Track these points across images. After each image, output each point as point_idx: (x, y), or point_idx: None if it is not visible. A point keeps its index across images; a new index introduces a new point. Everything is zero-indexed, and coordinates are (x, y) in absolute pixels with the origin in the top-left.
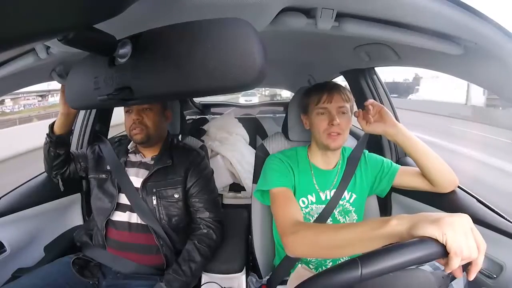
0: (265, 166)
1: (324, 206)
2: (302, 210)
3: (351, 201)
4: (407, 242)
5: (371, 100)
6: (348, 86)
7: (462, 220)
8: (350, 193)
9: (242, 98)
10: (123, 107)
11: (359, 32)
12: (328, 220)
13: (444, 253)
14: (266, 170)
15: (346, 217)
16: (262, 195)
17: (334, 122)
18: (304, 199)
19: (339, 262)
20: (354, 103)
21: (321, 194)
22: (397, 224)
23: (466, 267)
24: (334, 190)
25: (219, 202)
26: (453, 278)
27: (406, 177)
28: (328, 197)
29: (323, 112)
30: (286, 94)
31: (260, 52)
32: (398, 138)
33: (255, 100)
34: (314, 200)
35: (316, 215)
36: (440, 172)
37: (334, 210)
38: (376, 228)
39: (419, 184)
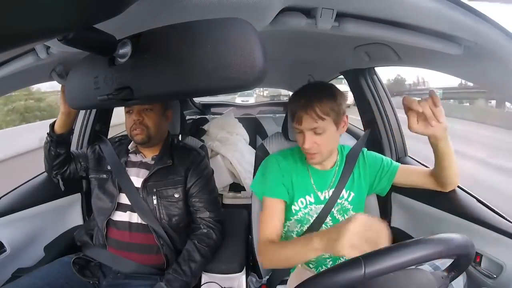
0: (263, 166)
1: (323, 206)
2: (301, 211)
3: (349, 199)
4: (410, 241)
5: (433, 93)
6: (348, 86)
7: (353, 228)
8: (348, 191)
9: (238, 99)
10: (123, 107)
11: (359, 32)
12: (327, 219)
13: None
14: (264, 173)
15: (345, 215)
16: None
17: (304, 145)
18: (303, 199)
19: (340, 261)
20: (342, 110)
21: (319, 194)
22: (318, 243)
23: (465, 267)
24: (333, 189)
25: (219, 202)
26: (453, 278)
27: (408, 175)
28: (327, 197)
29: (298, 132)
30: None
31: (260, 52)
32: (442, 144)
33: (251, 100)
34: (312, 200)
35: (315, 215)
36: (455, 176)
37: (333, 209)
38: (306, 245)
39: (422, 182)
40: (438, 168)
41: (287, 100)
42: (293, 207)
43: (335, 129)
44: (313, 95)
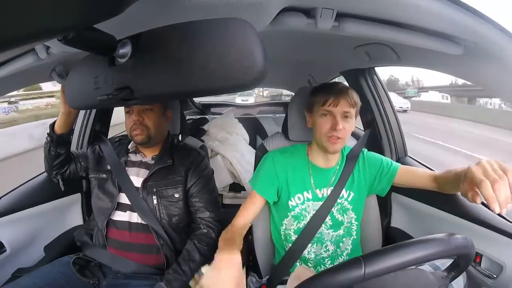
0: (261, 162)
1: (321, 203)
2: (298, 207)
3: (349, 199)
4: (410, 241)
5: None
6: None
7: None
8: (348, 191)
9: (238, 98)
10: (123, 107)
11: (359, 32)
12: (327, 218)
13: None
14: (259, 169)
15: (344, 215)
16: None
17: (337, 127)
18: (300, 195)
19: (338, 260)
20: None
21: (317, 191)
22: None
23: (465, 267)
24: (332, 188)
25: (219, 202)
26: (453, 278)
27: (408, 176)
28: (325, 195)
29: (327, 114)
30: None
31: (260, 52)
32: None
33: (251, 100)
34: (310, 197)
35: (313, 212)
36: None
37: (333, 209)
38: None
39: (422, 185)
40: (454, 188)
41: (288, 100)
42: (289, 202)
43: (354, 121)
44: (345, 86)
